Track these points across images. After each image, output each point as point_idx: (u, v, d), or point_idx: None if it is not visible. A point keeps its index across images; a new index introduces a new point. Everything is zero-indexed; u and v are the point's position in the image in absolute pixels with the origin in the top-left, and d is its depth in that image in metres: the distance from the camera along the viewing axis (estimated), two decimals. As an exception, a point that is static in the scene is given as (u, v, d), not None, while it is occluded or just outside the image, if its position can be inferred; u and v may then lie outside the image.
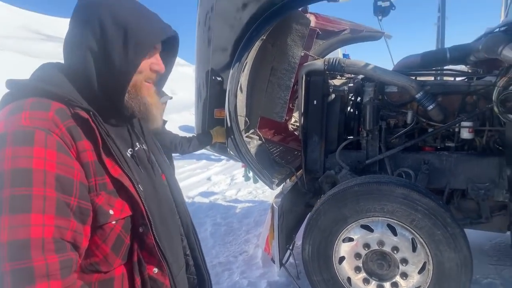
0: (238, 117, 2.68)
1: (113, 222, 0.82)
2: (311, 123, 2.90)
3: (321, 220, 2.39)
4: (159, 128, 1.01)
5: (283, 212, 2.66)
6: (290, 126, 4.01)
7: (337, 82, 3.08)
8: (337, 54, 6.09)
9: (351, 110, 3.05)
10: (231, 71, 2.62)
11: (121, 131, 0.94)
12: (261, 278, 3.06)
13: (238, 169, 6.59)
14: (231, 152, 2.86)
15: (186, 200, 5.26)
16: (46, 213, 0.69)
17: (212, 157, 8.03)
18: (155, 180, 0.99)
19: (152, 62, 0.93)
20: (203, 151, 8.29)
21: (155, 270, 0.90)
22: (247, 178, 3.84)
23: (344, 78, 3.17)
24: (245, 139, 2.90)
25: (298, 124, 3.98)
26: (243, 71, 2.70)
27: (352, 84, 2.96)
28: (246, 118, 2.84)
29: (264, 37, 2.74)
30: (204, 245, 3.74)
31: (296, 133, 3.92)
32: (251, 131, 3.07)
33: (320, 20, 3.58)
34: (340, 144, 2.84)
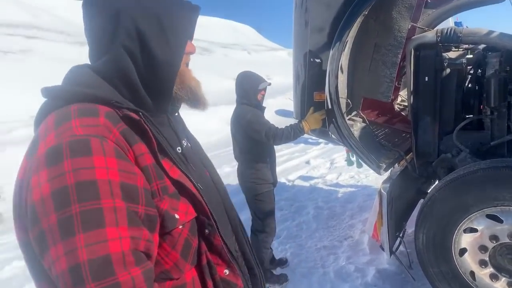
0: (340, 99, 2.58)
1: (180, 227, 0.77)
2: (422, 102, 2.64)
3: (437, 208, 2.18)
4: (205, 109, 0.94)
5: (392, 198, 2.51)
6: (396, 106, 3.73)
7: (452, 54, 2.74)
8: (448, 23, 5.43)
9: (470, 85, 2.70)
10: (331, 52, 2.52)
11: (167, 129, 0.89)
12: (368, 264, 2.96)
13: (338, 153, 6.43)
14: (333, 136, 2.79)
15: (286, 183, 5.34)
16: (119, 225, 0.64)
17: (310, 140, 7.97)
18: (205, 177, 0.95)
19: (187, 44, 0.88)
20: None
21: (226, 271, 0.85)
22: (350, 163, 3.71)
23: (461, 49, 2.81)
24: (348, 122, 2.79)
25: (405, 104, 3.69)
26: (344, 50, 2.58)
27: (471, 56, 2.61)
28: (348, 100, 2.72)
29: (366, 12, 2.56)
30: (307, 228, 3.80)
31: (403, 113, 3.63)
32: (354, 113, 2.94)
33: (429, -13, 3.21)
34: (458, 125, 2.54)
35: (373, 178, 5.10)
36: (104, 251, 0.61)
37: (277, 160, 7.99)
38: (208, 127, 10.91)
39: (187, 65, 0.90)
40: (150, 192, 0.73)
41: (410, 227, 3.08)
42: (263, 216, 2.93)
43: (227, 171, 6.68)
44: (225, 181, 5.03)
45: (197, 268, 0.82)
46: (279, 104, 12.88)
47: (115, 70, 0.79)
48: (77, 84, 0.77)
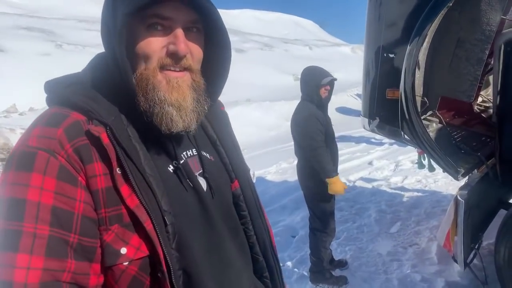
0: (415, 97, 2.42)
1: (125, 263, 0.66)
2: (510, 103, 2.39)
3: (525, 221, 1.96)
4: (189, 130, 0.74)
5: (469, 206, 2.30)
6: (475, 107, 3.43)
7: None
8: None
9: None
10: (408, 47, 2.37)
11: (162, 141, 0.75)
12: (436, 275, 2.76)
13: (403, 155, 6.10)
14: (405, 136, 2.63)
15: (347, 183, 5.19)
16: (34, 254, 0.58)
17: (373, 140, 7.66)
18: (207, 196, 0.79)
19: (170, 41, 0.69)
20: (362, 133, 8.03)
21: None
22: (421, 166, 3.48)
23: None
24: (423, 122, 2.61)
25: (487, 105, 3.38)
26: (422, 45, 2.41)
27: None
28: (425, 98, 2.55)
29: (451, 4, 2.36)
30: (368, 231, 3.66)
31: (483, 115, 3.33)
32: (429, 113, 2.75)
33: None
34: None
35: (443, 183, 4.77)
36: (7, 277, 0.57)
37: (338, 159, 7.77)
38: (266, 122, 10.96)
39: (180, 68, 0.71)
40: (94, 220, 0.65)
41: (486, 239, 2.83)
42: (322, 216, 2.84)
43: (284, 167, 6.65)
44: (282, 177, 5.10)
45: None
46: (340, 101, 12.56)
47: (110, 62, 0.71)
48: (70, 82, 0.72)
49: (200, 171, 0.80)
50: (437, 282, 2.68)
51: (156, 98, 0.69)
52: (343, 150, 7.25)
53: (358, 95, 14.63)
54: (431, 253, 3.08)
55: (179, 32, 0.69)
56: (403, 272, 2.90)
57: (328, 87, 2.77)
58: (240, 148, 0.95)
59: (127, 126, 0.70)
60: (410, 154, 5.90)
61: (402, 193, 4.61)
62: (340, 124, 10.50)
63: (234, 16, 44.31)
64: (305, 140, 2.65)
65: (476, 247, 2.55)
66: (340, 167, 6.45)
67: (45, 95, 0.73)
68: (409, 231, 3.56)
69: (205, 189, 0.79)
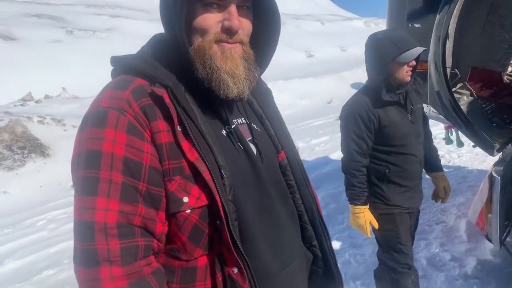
0: (446, 68, 2.28)
1: (187, 211, 0.73)
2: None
3: None
4: (242, 96, 0.80)
5: (505, 183, 2.19)
6: (505, 78, 3.24)
7: None
8: None
9: None
10: (438, 15, 2.21)
11: (216, 107, 0.83)
12: (467, 254, 2.68)
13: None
14: (433, 110, 2.50)
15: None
16: (110, 197, 0.67)
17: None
18: (258, 161, 0.84)
19: (224, 17, 0.76)
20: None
21: (235, 269, 0.77)
22: (448, 141, 3.34)
23: None
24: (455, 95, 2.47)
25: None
26: (453, 13, 2.24)
27: None
28: (455, 70, 2.40)
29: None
30: (392, 209, 3.56)
31: (514, 85, 3.16)
32: (459, 85, 2.60)
33: None
34: None
35: (467, 158, 4.62)
36: (90, 218, 0.67)
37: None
38: (281, 101, 10.78)
39: (233, 40, 0.78)
40: (159, 171, 0.72)
41: None
42: (385, 242, 2.08)
43: (301, 146, 6.56)
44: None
45: (210, 256, 0.78)
46: (357, 77, 12.26)
47: (170, 38, 0.80)
48: (136, 55, 0.82)
49: (250, 138, 0.86)
50: (468, 260, 2.60)
51: (214, 66, 0.76)
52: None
53: (373, 70, 14.24)
54: (459, 231, 2.99)
55: (233, 9, 0.76)
56: (431, 251, 2.82)
57: (413, 64, 1.89)
58: (284, 122, 0.99)
59: (184, 92, 0.78)
60: (433, 128, 5.72)
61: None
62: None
63: (242, -7, 43.34)
64: (342, 147, 2.02)
65: (510, 224, 2.44)
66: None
67: (110, 68, 0.83)
68: (435, 209, 3.46)
69: (255, 154, 0.85)
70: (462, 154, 4.66)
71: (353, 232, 3.25)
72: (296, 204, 0.93)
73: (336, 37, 19.87)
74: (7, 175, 5.45)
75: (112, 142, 0.69)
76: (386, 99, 1.87)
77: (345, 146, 1.97)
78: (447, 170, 4.39)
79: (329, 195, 4.11)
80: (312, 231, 0.95)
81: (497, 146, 2.22)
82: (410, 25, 2.58)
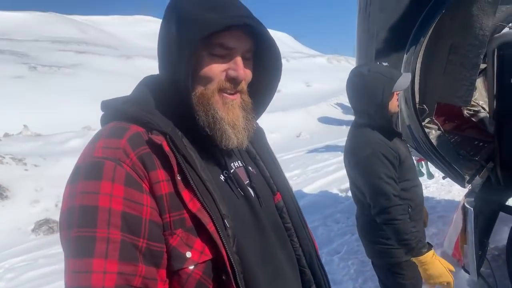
0: (416, 104, 2.40)
1: (191, 267, 0.68)
2: (507, 105, 2.39)
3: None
4: (241, 146, 0.80)
5: (477, 214, 2.27)
6: (465, 112, 3.45)
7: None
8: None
9: None
10: (406, 55, 2.35)
11: (213, 152, 0.80)
12: (444, 286, 2.70)
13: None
14: (408, 144, 2.59)
15: (339, 194, 5.12)
16: (109, 257, 0.61)
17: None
18: (258, 206, 0.82)
19: (230, 67, 0.76)
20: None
21: None
22: (420, 174, 3.46)
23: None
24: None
25: (476, 109, 3.41)
26: (419, 53, 2.39)
27: None
28: (425, 106, 2.52)
29: (444, 11, 2.36)
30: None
31: (473, 119, 3.36)
32: (427, 119, 2.73)
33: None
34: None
35: (434, 189, 4.80)
36: (86, 283, 0.60)
37: (326, 169, 7.72)
38: (251, 135, 10.90)
39: (234, 91, 0.78)
40: (159, 225, 0.68)
41: (491, 244, 2.79)
42: None
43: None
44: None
45: None
46: (323, 111, 12.65)
47: (167, 82, 0.78)
48: (128, 99, 0.78)
49: (247, 182, 0.84)
50: (446, 292, 2.61)
51: (217, 116, 0.75)
52: (331, 160, 7.25)
53: (338, 104, 14.80)
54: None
55: (239, 60, 0.76)
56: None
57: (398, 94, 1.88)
58: (279, 163, 0.98)
59: (182, 138, 0.75)
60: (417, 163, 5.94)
61: (396, 200, 4.59)
62: (326, 134, 10.57)
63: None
64: (371, 194, 1.74)
65: (483, 254, 2.50)
66: (330, 177, 6.44)
67: (100, 113, 0.79)
68: (410, 240, 3.50)
69: (253, 198, 0.83)
70: (429, 185, 4.83)
71: (331, 268, 3.22)
72: (294, 248, 0.90)
73: (301, 73, 20.59)
74: (-41, 220, 5.03)
75: (110, 196, 0.64)
76: (395, 132, 1.83)
77: (379, 192, 1.69)
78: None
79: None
80: (311, 275, 0.91)
81: (467, 177, 2.32)
82: (378, 62, 2.71)
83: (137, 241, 0.64)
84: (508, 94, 2.37)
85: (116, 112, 0.76)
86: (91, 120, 7.53)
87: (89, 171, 0.66)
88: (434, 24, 2.39)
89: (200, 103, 0.75)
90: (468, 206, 2.20)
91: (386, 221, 1.68)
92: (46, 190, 5.53)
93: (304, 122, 11.72)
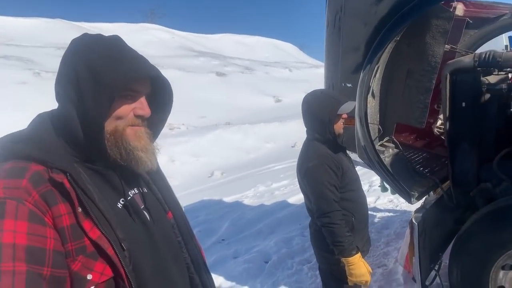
0: (370, 124, 2.55)
1: None
2: (459, 128, 2.53)
3: (473, 242, 2.07)
4: (152, 170, 0.96)
5: (425, 228, 2.40)
6: (435, 130, 3.59)
7: (493, 79, 2.62)
8: (501, 41, 5.15)
9: (514, 110, 2.55)
10: (361, 75, 2.51)
11: (112, 179, 0.90)
12: (402, 297, 2.83)
13: (376, 175, 6.25)
14: (362, 161, 2.74)
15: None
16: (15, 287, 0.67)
17: (349, 160, 7.81)
18: (152, 226, 0.95)
19: (136, 106, 0.90)
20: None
21: None
22: (383, 189, 3.60)
23: (503, 73, 2.68)
24: (379, 148, 2.74)
25: (445, 128, 3.55)
26: (375, 75, 2.56)
27: (513, 80, 2.48)
28: (379, 126, 2.68)
29: (398, 38, 2.53)
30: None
31: (443, 137, 3.50)
32: (386, 138, 2.88)
33: (470, 7, 3.12)
34: (499, 152, 2.40)
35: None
36: None
37: (293, 187, 7.70)
38: (246, 145, 11.04)
39: (140, 124, 0.92)
40: (62, 253, 0.75)
41: (447, 259, 2.91)
42: None
43: (262, 190, 6.69)
44: (259, 201, 5.06)
45: None
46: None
47: (65, 121, 0.85)
48: (24, 138, 0.83)
49: (143, 206, 0.97)
50: (402, 303, 2.75)
51: (130, 147, 0.88)
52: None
53: (337, 115, 14.88)
54: (397, 274, 3.16)
55: (143, 100, 0.92)
56: (371, 294, 2.95)
57: (346, 117, 2.19)
58: (170, 186, 1.13)
59: (80, 174, 0.83)
60: (372, 175, 6.06)
61: (374, 213, 4.71)
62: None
63: (215, 40, 45.01)
64: (315, 199, 2.02)
65: (436, 267, 2.63)
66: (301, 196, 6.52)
67: None
68: (379, 252, 3.63)
69: (149, 220, 0.95)
70: (391, 199, 4.96)
71: (300, 277, 3.35)
72: (185, 258, 1.06)
73: (302, 83, 20.81)
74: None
75: (13, 232, 0.70)
76: (340, 146, 2.15)
77: (322, 197, 1.96)
78: (394, 215, 4.66)
79: (282, 240, 4.21)
80: (199, 280, 1.08)
81: (416, 194, 2.46)
82: (343, 84, 2.88)
83: (42, 270, 0.71)
84: (459, 117, 2.51)
85: (13, 152, 0.81)
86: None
87: None
88: (391, 50, 2.56)
89: (113, 138, 0.87)
90: (414, 222, 2.34)
91: (325, 224, 1.95)
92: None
93: (301, 132, 11.79)
